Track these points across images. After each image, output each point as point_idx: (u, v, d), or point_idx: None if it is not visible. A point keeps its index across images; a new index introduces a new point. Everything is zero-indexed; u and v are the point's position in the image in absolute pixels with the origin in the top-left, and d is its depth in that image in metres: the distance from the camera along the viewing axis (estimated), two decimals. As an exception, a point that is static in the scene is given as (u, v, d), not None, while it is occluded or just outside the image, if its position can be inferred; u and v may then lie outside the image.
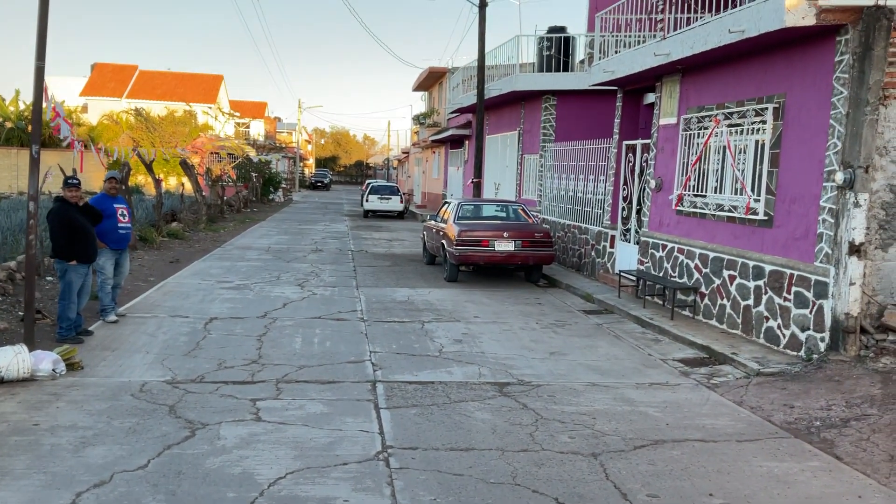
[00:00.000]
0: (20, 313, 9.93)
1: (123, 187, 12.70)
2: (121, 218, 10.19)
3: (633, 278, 13.12)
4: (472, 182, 22.77)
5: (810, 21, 8.37)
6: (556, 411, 7.09)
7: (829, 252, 8.62)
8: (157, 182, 22.00)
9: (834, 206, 8.57)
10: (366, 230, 27.85)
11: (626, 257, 14.36)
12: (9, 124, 37.84)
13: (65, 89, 49.38)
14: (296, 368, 8.28)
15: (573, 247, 16.97)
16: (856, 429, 6.60)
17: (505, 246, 14.44)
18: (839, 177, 8.38)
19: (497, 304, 12.85)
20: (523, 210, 16.33)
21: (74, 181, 9.44)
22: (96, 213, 9.68)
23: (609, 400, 7.52)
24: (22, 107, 39.73)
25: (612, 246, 14.98)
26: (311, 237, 24.09)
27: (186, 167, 26.09)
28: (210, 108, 53.09)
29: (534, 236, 14.68)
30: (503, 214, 16.37)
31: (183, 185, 27.58)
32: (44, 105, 9.58)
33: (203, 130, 41.69)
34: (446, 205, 17.23)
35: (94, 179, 30.08)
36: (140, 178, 33.68)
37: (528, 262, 14.77)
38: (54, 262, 9.41)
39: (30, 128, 36.16)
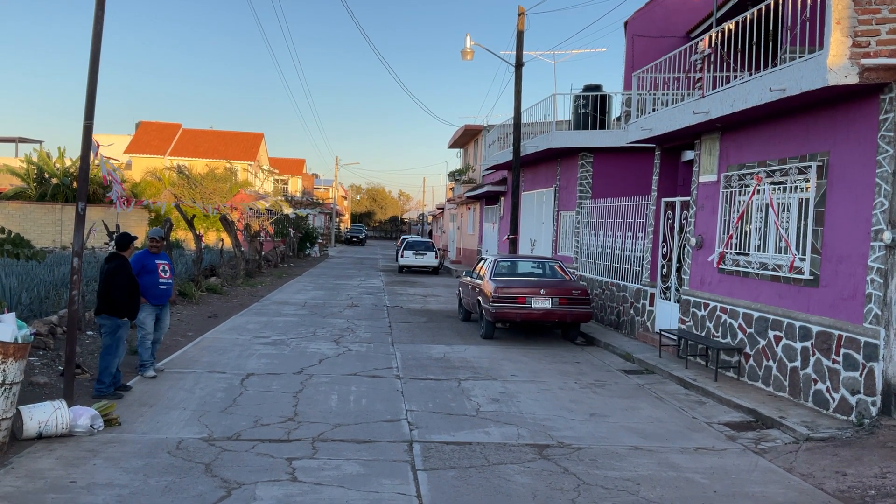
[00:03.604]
0: (60, 368, 10.00)
1: (165, 243, 12.90)
2: (161, 273, 10.28)
3: (675, 337, 12.87)
4: (508, 238, 22.75)
5: (853, 80, 8.30)
6: (599, 476, 6.88)
7: (879, 313, 8.37)
8: (198, 237, 22.31)
9: (882, 266, 8.36)
10: (401, 285, 27.87)
11: (665, 316, 14.13)
12: (54, 181, 38.81)
13: (110, 147, 50.73)
14: (332, 427, 8.19)
15: (611, 304, 16.76)
16: (914, 499, 6.30)
17: (542, 303, 14.30)
18: (887, 236, 8.19)
19: (534, 362, 12.67)
20: (560, 267, 16.19)
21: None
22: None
23: (653, 465, 7.28)
24: (68, 163, 40.75)
25: (651, 304, 14.77)
26: (346, 292, 24.15)
27: (226, 223, 26.48)
28: (250, 165, 54.09)
29: (571, 293, 14.52)
30: (540, 271, 16.23)
31: (222, 240, 27.93)
32: (94, 162, 9.83)
33: (243, 187, 42.40)
34: (482, 261, 17.18)
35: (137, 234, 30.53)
36: (181, 233, 34.22)
37: (565, 320, 14.59)
38: (99, 317, 9.38)
39: (75, 184, 36.96)
